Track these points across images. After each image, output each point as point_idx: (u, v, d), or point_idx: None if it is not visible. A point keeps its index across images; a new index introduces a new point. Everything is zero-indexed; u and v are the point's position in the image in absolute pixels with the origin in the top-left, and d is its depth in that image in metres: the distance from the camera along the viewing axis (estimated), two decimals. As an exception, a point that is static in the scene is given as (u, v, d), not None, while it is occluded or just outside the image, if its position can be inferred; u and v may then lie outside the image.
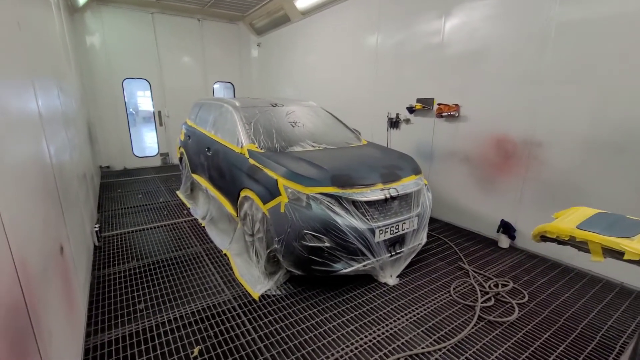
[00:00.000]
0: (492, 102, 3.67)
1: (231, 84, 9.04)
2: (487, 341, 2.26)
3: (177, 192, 5.70)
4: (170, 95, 7.95)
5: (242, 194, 3.18)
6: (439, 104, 4.19)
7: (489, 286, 2.89)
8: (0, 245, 1.00)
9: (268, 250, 2.83)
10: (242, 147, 3.34)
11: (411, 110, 4.59)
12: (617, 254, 1.27)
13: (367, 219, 2.65)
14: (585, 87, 2.94)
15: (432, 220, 4.42)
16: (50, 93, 2.45)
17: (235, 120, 3.65)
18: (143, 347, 2.16)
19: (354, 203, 2.62)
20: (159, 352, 2.11)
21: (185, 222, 4.41)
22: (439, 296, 2.78)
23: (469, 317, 2.50)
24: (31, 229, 1.37)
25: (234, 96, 9.04)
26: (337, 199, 2.59)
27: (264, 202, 2.79)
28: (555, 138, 3.19)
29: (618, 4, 2.69)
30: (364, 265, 2.70)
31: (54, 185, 1.96)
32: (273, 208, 2.71)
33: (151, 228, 4.18)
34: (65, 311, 1.76)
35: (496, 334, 2.33)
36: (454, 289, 2.87)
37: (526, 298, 2.73)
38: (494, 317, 2.50)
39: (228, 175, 3.53)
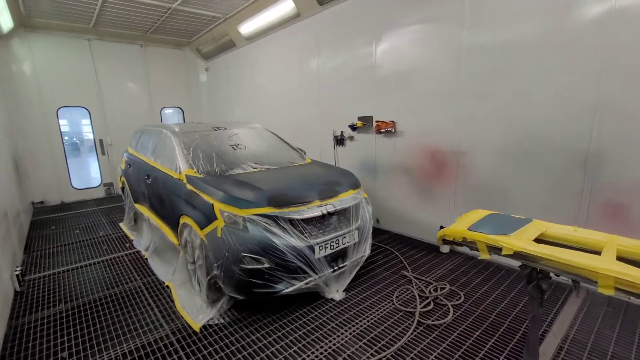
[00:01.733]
0: (422, 117, 3.97)
1: (180, 109, 8.85)
2: (424, 345, 2.34)
3: (120, 224, 5.36)
4: (113, 123, 7.59)
5: (181, 220, 3.08)
6: (377, 121, 4.43)
7: (429, 291, 3.02)
8: None
9: (208, 277, 2.74)
10: (180, 172, 3.27)
11: (353, 128, 4.80)
12: (498, 250, 1.41)
13: (306, 237, 2.68)
14: (493, 102, 3.29)
15: (381, 232, 4.57)
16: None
17: (174, 146, 3.57)
18: (62, 399, 1.95)
19: (291, 222, 2.65)
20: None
21: (126, 255, 4.14)
22: (382, 306, 2.84)
23: (409, 324, 2.58)
24: None
25: (184, 121, 8.84)
26: (273, 219, 2.60)
27: (201, 228, 2.72)
28: (476, 147, 3.50)
29: (510, 32, 3.08)
30: (307, 283, 2.70)
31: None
32: (210, 233, 2.65)
33: (86, 265, 3.86)
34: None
35: (433, 337, 2.42)
36: (396, 297, 2.96)
37: (462, 299, 2.89)
38: (431, 320, 2.60)
39: (167, 202, 3.41)
